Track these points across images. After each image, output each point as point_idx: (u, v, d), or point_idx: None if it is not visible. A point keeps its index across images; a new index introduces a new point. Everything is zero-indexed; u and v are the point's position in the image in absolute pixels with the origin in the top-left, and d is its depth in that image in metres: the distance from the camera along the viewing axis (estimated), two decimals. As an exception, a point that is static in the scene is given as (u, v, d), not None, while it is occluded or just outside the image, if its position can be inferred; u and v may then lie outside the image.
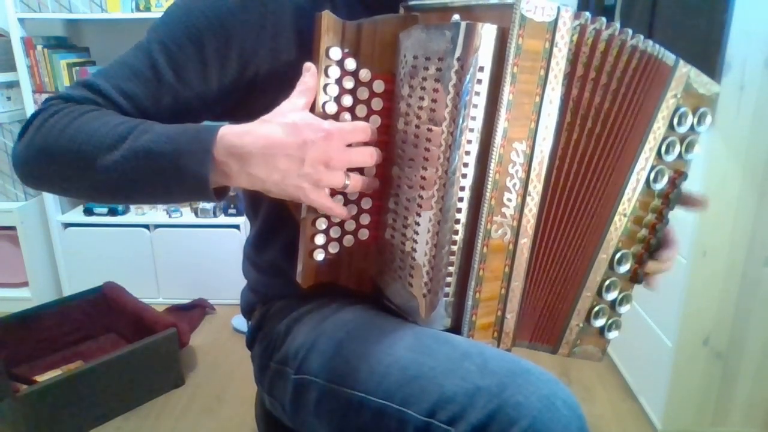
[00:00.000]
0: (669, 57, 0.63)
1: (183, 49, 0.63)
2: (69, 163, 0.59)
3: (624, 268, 0.69)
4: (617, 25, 0.61)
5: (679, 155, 0.67)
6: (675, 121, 0.66)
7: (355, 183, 0.60)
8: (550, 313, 0.68)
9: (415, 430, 0.55)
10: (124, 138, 0.57)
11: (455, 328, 0.62)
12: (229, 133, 0.56)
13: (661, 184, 0.67)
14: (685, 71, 0.65)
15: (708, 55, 1.22)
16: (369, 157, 0.59)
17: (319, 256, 0.64)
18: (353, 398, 0.60)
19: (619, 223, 0.67)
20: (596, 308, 0.69)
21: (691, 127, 0.67)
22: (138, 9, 1.95)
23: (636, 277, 0.70)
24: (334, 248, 0.65)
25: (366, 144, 0.60)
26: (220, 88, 0.66)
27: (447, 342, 0.59)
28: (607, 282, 0.69)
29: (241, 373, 1.76)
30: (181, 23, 0.63)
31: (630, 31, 0.61)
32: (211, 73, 0.65)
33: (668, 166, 0.67)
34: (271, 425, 0.85)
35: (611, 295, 0.70)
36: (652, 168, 0.66)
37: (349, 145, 0.58)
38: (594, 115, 0.62)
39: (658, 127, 0.65)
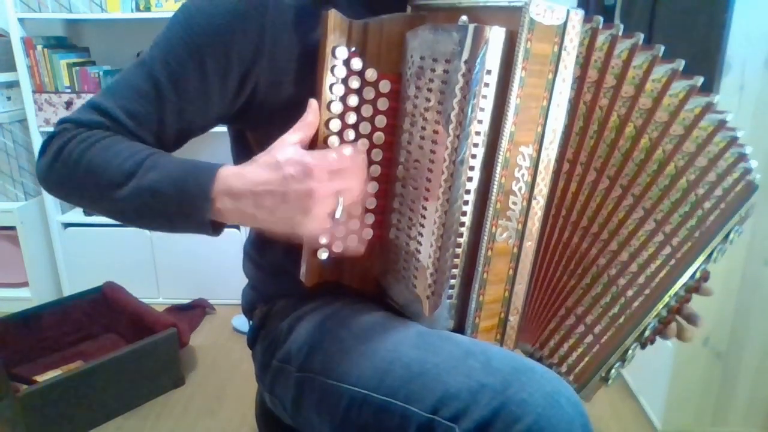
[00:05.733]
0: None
1: (183, 66, 0.63)
2: (85, 192, 0.63)
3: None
4: (641, 35, 0.60)
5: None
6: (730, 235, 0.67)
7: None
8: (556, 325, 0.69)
9: (419, 426, 0.55)
10: (132, 175, 0.59)
11: (458, 330, 0.62)
12: (226, 173, 0.58)
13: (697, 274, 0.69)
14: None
15: (708, 55, 1.22)
16: (357, 184, 0.59)
17: (323, 255, 0.64)
18: (356, 395, 0.60)
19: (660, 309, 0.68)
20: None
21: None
22: (138, 9, 1.95)
23: (644, 344, 0.71)
24: (338, 247, 0.65)
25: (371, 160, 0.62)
26: (223, 101, 0.66)
27: (450, 340, 0.59)
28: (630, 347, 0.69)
29: (241, 373, 1.76)
30: (180, 39, 0.64)
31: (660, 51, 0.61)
32: (212, 88, 0.65)
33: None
34: (271, 425, 0.85)
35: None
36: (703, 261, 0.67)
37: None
38: (606, 122, 0.63)
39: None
